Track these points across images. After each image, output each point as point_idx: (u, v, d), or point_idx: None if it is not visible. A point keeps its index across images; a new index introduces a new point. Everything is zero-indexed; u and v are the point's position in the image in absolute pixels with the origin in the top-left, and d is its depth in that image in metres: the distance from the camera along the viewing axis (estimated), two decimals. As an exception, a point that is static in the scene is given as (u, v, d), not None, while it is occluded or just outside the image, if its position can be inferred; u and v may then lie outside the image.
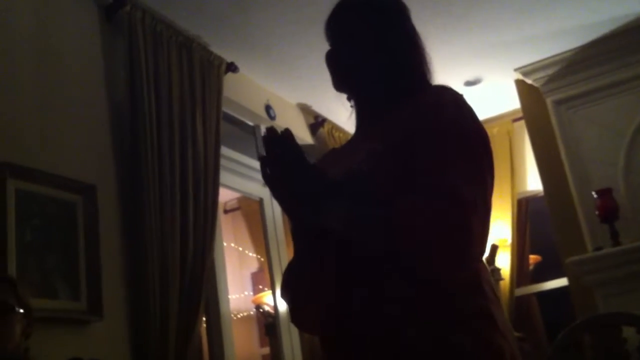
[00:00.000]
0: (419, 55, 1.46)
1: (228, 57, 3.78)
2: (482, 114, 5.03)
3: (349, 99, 1.51)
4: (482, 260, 1.32)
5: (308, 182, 1.27)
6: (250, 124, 4.37)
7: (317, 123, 4.74)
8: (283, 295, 1.46)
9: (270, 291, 4.70)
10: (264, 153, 1.29)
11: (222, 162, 3.61)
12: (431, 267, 1.20)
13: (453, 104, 1.31)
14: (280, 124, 4.19)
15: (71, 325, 2.59)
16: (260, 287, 5.86)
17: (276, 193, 1.31)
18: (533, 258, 5.46)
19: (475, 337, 1.20)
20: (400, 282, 1.22)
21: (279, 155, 1.27)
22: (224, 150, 3.71)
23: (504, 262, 5.03)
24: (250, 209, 5.77)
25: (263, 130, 3.69)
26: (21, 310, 1.90)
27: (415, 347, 1.19)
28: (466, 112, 1.31)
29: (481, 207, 1.22)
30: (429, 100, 1.33)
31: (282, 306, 4.22)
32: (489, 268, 4.53)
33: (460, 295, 1.23)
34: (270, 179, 1.29)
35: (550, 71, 4.66)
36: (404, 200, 1.21)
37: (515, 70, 4.73)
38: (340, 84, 1.48)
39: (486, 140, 1.32)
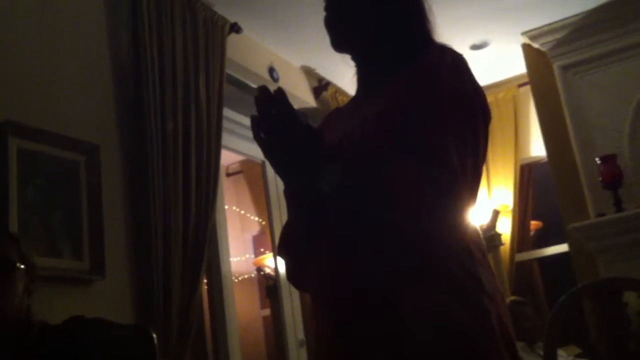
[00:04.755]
0: (420, 13, 1.42)
1: (231, 18, 3.73)
2: (487, 79, 5.00)
3: (352, 58, 1.49)
4: (471, 223, 1.30)
5: (301, 146, 1.25)
6: (254, 86, 4.33)
7: (320, 86, 4.70)
8: (280, 254, 1.48)
9: (271, 254, 4.73)
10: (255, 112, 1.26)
11: (225, 124, 3.59)
12: (417, 230, 1.20)
13: (449, 66, 1.28)
14: (284, 86, 4.15)
15: (74, 284, 2.61)
16: (262, 250, 5.89)
17: (269, 155, 1.30)
18: (534, 224, 5.47)
19: (460, 299, 1.20)
20: (387, 245, 1.22)
21: (273, 116, 1.24)
22: (227, 112, 3.69)
23: (505, 228, 5.05)
24: (252, 173, 5.77)
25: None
26: (23, 267, 1.90)
27: (400, 311, 1.19)
28: (463, 73, 1.29)
29: (470, 171, 1.22)
30: (426, 62, 1.30)
31: (283, 269, 4.23)
32: (481, 233, 4.54)
33: (445, 258, 1.23)
34: (263, 141, 1.27)
35: (557, 36, 4.61)
36: (393, 165, 1.21)
37: (523, 34, 4.68)
38: (338, 44, 1.44)
39: (483, 103, 1.30)
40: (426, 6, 1.43)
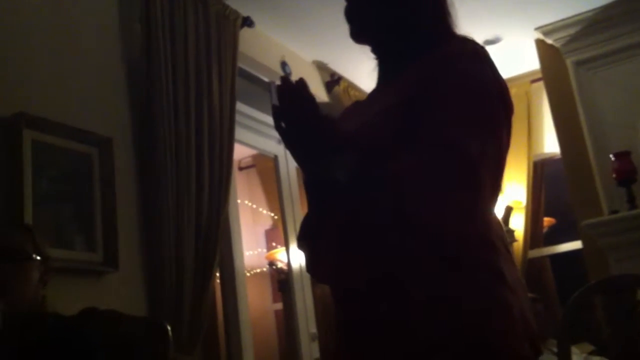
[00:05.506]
0: (441, 5, 1.41)
1: (244, 12, 3.73)
2: (500, 74, 4.97)
3: (372, 51, 1.48)
4: (494, 215, 1.30)
5: (320, 136, 1.25)
6: (266, 80, 4.34)
7: (332, 81, 4.69)
8: (300, 247, 1.47)
9: (283, 248, 4.73)
10: (276, 103, 1.27)
11: (237, 118, 3.59)
12: (438, 222, 1.19)
13: (470, 55, 1.27)
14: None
15: (87, 276, 2.62)
16: (274, 244, 5.89)
17: (289, 145, 1.30)
18: (547, 220, 5.44)
19: (482, 293, 1.19)
20: (401, 237, 1.21)
21: (293, 106, 1.24)
22: (239, 106, 3.69)
23: (518, 224, 5.02)
24: (264, 167, 5.77)
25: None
26: (38, 258, 1.91)
27: (422, 305, 1.18)
28: (484, 63, 1.28)
29: (492, 162, 1.20)
30: (447, 52, 1.30)
31: (295, 263, 4.24)
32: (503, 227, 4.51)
33: (468, 250, 1.22)
34: (283, 131, 1.27)
35: (571, 31, 4.58)
36: (411, 155, 1.20)
37: (536, 29, 4.65)
38: (357, 35, 1.44)
39: (505, 94, 1.29)
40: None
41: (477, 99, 1.23)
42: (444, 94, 1.23)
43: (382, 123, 1.28)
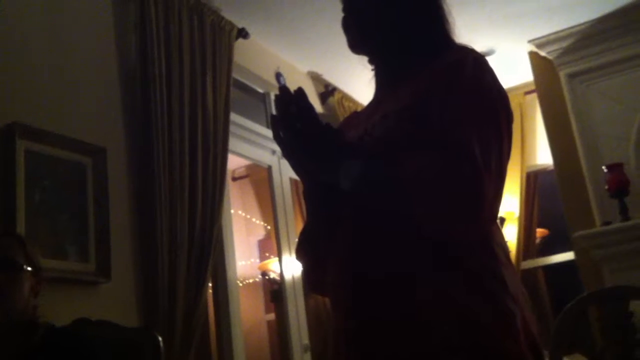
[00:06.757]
0: (439, 13, 1.42)
1: (239, 23, 3.74)
2: (494, 86, 4.99)
3: (370, 62, 1.48)
4: (495, 223, 1.30)
5: (321, 143, 1.24)
6: (260, 91, 4.36)
7: (327, 92, 4.70)
8: (298, 258, 1.47)
9: (276, 258, 4.72)
10: (275, 112, 1.27)
11: (232, 128, 3.60)
12: (440, 226, 1.19)
13: (474, 64, 1.28)
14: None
15: (80, 286, 2.61)
16: (267, 254, 5.88)
17: (288, 154, 1.29)
18: (540, 232, 5.46)
19: (484, 299, 1.19)
20: (411, 242, 1.21)
21: (293, 115, 1.24)
22: (234, 117, 3.70)
23: (511, 235, 5.03)
24: (258, 177, 5.77)
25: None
26: (29, 268, 1.91)
27: (424, 308, 1.18)
28: (487, 72, 1.28)
29: (495, 168, 1.19)
30: (449, 60, 1.30)
31: (288, 273, 4.24)
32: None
33: (470, 257, 1.22)
34: (282, 140, 1.27)
35: (564, 44, 4.61)
36: (416, 159, 1.19)
37: (529, 42, 4.68)
38: (355, 45, 1.44)
39: (506, 103, 1.29)
40: (445, 8, 1.43)
41: (482, 106, 1.24)
42: (450, 100, 1.23)
43: (386, 129, 1.29)
